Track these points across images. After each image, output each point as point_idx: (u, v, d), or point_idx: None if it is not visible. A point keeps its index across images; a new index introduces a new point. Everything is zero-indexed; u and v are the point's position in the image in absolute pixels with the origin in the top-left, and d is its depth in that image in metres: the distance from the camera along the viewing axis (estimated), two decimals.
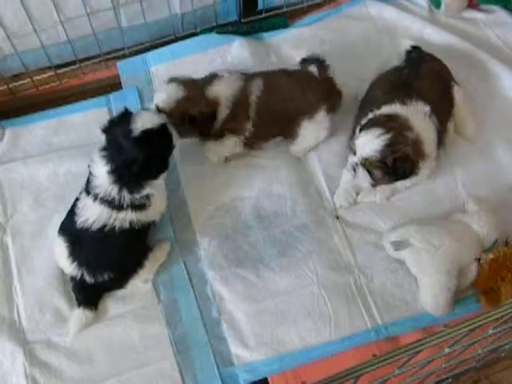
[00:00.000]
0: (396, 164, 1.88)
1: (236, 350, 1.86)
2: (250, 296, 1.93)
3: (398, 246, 1.90)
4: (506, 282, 1.81)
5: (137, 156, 1.74)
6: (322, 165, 2.17)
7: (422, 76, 2.13)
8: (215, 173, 2.16)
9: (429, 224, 1.94)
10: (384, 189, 2.06)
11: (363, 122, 1.98)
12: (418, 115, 1.95)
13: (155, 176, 1.83)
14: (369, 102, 2.12)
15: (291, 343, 1.86)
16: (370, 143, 1.89)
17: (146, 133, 1.76)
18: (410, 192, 2.10)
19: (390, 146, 1.87)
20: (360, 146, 1.92)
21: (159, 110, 1.93)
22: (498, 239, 1.91)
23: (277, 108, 2.08)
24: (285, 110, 2.08)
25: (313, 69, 2.13)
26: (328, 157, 2.18)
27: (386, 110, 1.98)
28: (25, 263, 1.99)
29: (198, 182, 2.14)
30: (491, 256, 1.86)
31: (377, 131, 1.88)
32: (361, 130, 1.94)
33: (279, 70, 2.16)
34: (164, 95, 1.96)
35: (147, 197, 1.83)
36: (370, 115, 1.99)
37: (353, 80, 2.21)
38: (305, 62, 2.19)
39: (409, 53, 2.31)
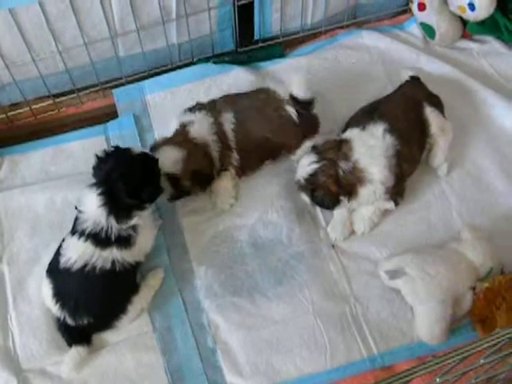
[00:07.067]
0: (314, 194, 1.97)
1: (231, 379, 1.85)
2: (246, 325, 1.92)
3: (394, 274, 1.90)
4: (501, 311, 1.80)
5: (124, 170, 1.78)
6: None
7: (390, 100, 2.16)
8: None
9: (424, 253, 1.94)
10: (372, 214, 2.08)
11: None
12: (368, 140, 1.96)
13: (145, 199, 1.82)
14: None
15: (286, 372, 1.85)
16: (301, 169, 1.98)
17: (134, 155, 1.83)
18: (406, 220, 2.11)
19: (313, 177, 1.95)
20: (298, 169, 2.01)
21: (169, 176, 1.96)
22: (493, 268, 1.91)
23: (255, 135, 2.10)
24: (262, 138, 2.11)
25: (292, 110, 2.09)
26: None
27: (343, 135, 2.03)
28: (20, 291, 1.98)
29: (194, 211, 2.14)
30: (486, 285, 1.86)
31: (311, 158, 1.96)
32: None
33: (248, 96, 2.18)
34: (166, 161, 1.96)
35: (134, 229, 1.82)
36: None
37: (347, 110, 2.22)
38: (291, 99, 2.10)
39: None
